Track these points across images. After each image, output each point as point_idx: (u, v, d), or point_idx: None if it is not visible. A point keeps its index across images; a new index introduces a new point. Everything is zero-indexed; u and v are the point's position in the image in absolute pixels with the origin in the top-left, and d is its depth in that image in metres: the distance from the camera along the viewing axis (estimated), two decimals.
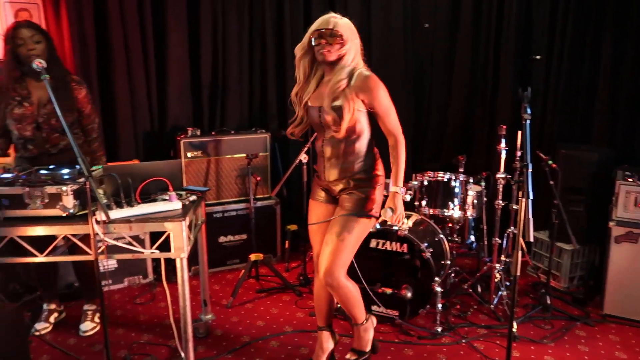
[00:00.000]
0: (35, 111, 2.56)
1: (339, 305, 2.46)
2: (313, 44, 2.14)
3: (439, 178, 3.20)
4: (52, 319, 2.89)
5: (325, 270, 2.19)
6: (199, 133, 3.57)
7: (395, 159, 2.21)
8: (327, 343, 2.48)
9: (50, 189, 2.09)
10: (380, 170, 2.26)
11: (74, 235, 2.20)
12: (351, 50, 2.15)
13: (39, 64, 2.14)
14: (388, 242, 2.90)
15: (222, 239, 3.65)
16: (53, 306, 2.94)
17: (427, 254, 2.82)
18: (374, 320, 2.51)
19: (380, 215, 2.26)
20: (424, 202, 3.24)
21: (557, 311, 3.10)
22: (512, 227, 3.16)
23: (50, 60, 2.44)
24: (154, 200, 2.26)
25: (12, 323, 2.06)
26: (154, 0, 3.51)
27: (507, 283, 3.15)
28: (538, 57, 3.77)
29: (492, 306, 3.08)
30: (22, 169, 2.35)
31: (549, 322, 2.97)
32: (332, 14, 2.16)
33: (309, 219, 2.40)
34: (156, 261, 3.48)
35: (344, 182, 2.23)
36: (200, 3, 3.62)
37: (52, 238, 2.20)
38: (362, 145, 2.20)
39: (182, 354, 2.34)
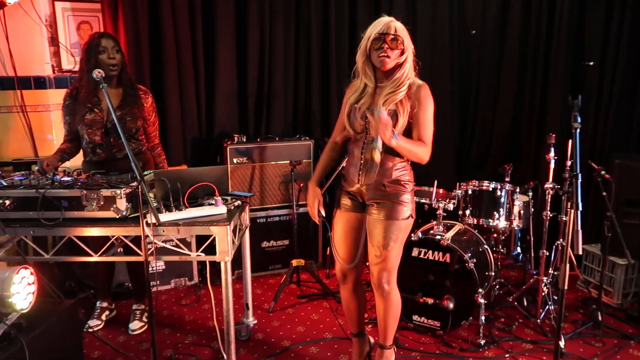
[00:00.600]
0: (105, 117, 2.71)
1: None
2: (371, 47, 2.08)
3: (484, 187, 3.14)
4: (104, 317, 3.03)
5: (379, 279, 2.23)
6: (244, 139, 3.66)
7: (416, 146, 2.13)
8: (364, 347, 2.50)
9: (105, 192, 2.20)
10: (411, 177, 2.28)
11: (126, 237, 2.31)
12: (409, 59, 2.13)
13: (98, 73, 2.27)
14: (430, 252, 2.87)
15: (264, 244, 3.72)
16: (105, 304, 3.08)
17: (471, 265, 2.77)
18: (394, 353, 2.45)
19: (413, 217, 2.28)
20: (467, 212, 3.18)
21: (609, 328, 2.97)
22: (560, 239, 3.05)
23: (122, 70, 2.71)
24: (201, 205, 2.33)
25: (68, 319, 2.17)
26: (204, 11, 3.63)
27: (555, 297, 3.05)
28: (591, 63, 3.64)
29: (538, 320, 2.99)
30: (80, 172, 2.49)
31: (600, 340, 2.85)
32: (391, 18, 2.10)
33: (334, 228, 2.38)
34: (201, 264, 3.58)
35: (380, 187, 2.22)
36: (249, 11, 3.71)
37: (107, 238, 2.32)
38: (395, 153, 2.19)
39: (225, 356, 2.39)
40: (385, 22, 2.08)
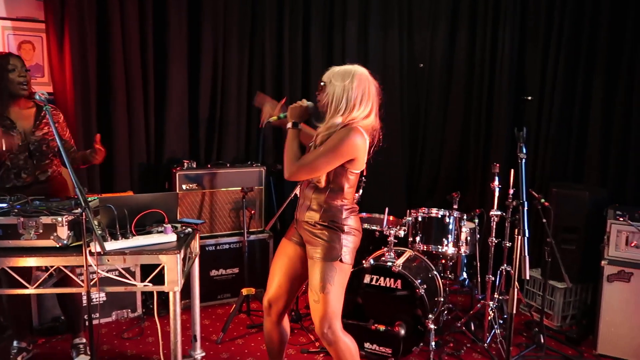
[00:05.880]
0: (25, 139, 2.58)
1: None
2: None
3: (433, 214, 3.22)
4: (19, 358, 2.78)
5: (319, 325, 2.16)
6: (194, 165, 3.58)
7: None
8: None
9: (45, 220, 2.08)
10: (352, 222, 2.20)
11: (65, 267, 2.17)
12: (331, 99, 2.13)
13: (42, 95, 2.17)
14: (382, 278, 2.89)
15: (213, 272, 3.61)
16: (24, 344, 2.82)
17: (421, 290, 2.81)
18: None
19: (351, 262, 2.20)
20: (417, 238, 3.25)
21: (551, 350, 3.08)
22: (505, 265, 3.16)
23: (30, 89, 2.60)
24: (149, 232, 2.25)
25: None
26: (156, 33, 3.58)
27: (501, 321, 3.13)
28: (530, 97, 3.87)
29: (485, 345, 3.05)
30: (16, 199, 2.34)
31: None
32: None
33: (275, 256, 2.38)
34: (146, 294, 3.42)
35: (313, 226, 2.19)
36: (202, 37, 3.70)
37: (33, 269, 2.17)
38: (332, 194, 2.17)
39: None
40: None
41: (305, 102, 2.24)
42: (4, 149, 2.53)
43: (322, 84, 2.18)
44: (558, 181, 3.64)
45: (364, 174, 2.29)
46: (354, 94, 2.12)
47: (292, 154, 2.15)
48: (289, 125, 2.21)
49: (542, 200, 3.08)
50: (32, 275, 2.17)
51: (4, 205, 2.20)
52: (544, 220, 3.06)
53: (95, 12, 3.37)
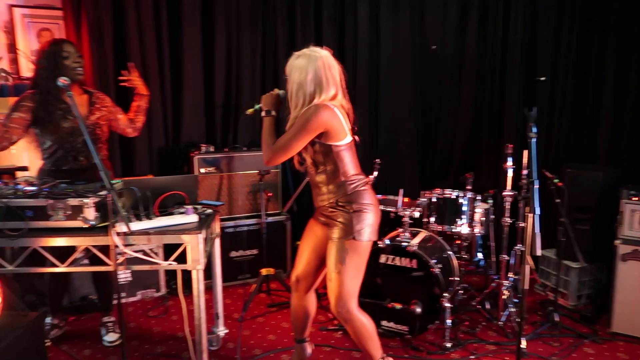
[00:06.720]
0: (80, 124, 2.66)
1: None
2: None
3: (447, 195, 3.26)
4: (52, 334, 2.91)
5: (334, 303, 2.23)
6: (212, 150, 3.66)
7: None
8: (303, 354, 2.56)
9: (73, 201, 2.16)
10: (362, 198, 2.23)
11: (94, 247, 2.27)
12: (292, 90, 2.21)
13: (63, 81, 2.23)
14: (397, 258, 2.95)
15: (233, 253, 3.71)
16: (56, 321, 2.96)
17: (436, 270, 2.86)
18: None
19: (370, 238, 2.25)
20: (432, 219, 3.29)
21: (566, 328, 3.12)
22: (519, 245, 3.20)
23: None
24: (171, 214, 2.33)
25: (33, 332, 2.11)
26: (170, 20, 3.63)
27: (515, 300, 3.18)
28: (543, 78, 3.86)
29: (500, 323, 3.11)
30: (43, 181, 2.43)
31: (558, 340, 2.99)
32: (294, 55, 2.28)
33: (303, 235, 2.45)
34: (169, 275, 3.54)
35: (327, 209, 2.27)
36: (215, 22, 3.74)
37: (72, 249, 2.27)
38: (331, 174, 2.22)
39: None
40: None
41: (276, 91, 2.32)
42: (64, 133, 2.63)
43: (284, 77, 2.24)
44: (571, 161, 3.64)
45: (357, 142, 2.31)
46: (311, 87, 2.16)
47: (268, 140, 2.23)
48: (263, 113, 2.29)
49: (556, 180, 3.09)
50: (69, 256, 2.26)
51: (34, 187, 2.30)
52: (558, 201, 3.08)
53: (112, 1, 3.43)
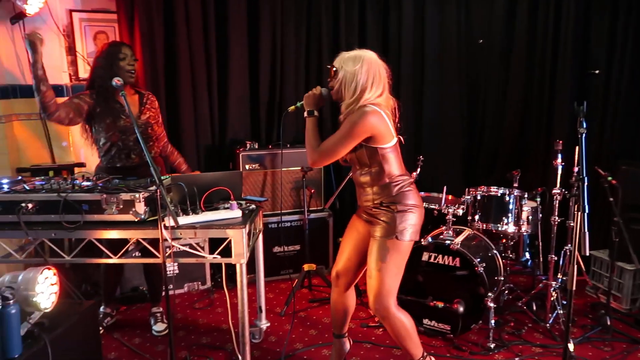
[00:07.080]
0: (132, 123, 2.77)
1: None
2: None
3: (493, 193, 3.18)
4: (104, 323, 3.06)
5: (372, 300, 2.24)
6: (256, 146, 3.73)
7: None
8: (341, 349, 2.57)
9: (125, 196, 2.27)
10: (407, 199, 2.24)
11: (143, 239, 2.37)
12: (342, 84, 2.21)
13: (117, 81, 2.35)
14: (440, 256, 2.91)
15: (276, 249, 3.77)
16: (108, 310, 3.11)
17: (480, 269, 2.81)
18: None
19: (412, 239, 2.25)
20: (476, 217, 3.22)
21: (618, 333, 2.99)
22: (569, 245, 3.09)
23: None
24: (217, 209, 2.40)
25: (87, 320, 2.23)
26: (217, 19, 3.72)
27: (564, 302, 3.08)
28: (596, 71, 3.69)
29: (547, 325, 3.02)
30: (98, 177, 2.57)
31: (609, 344, 2.88)
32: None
33: (346, 231, 2.48)
34: (214, 269, 3.64)
35: (370, 209, 2.29)
36: (260, 18, 3.79)
37: (125, 242, 2.39)
38: (376, 176, 2.24)
39: (240, 357, 2.44)
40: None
41: (318, 90, 2.31)
42: (117, 131, 2.77)
43: (333, 70, 2.23)
44: (626, 158, 3.47)
45: (402, 142, 2.31)
46: (364, 77, 2.17)
47: (312, 142, 2.25)
48: (305, 114, 2.30)
49: (609, 178, 2.97)
50: (121, 249, 2.38)
51: (89, 182, 2.43)
52: (611, 199, 2.95)
53: (162, 1, 3.55)
